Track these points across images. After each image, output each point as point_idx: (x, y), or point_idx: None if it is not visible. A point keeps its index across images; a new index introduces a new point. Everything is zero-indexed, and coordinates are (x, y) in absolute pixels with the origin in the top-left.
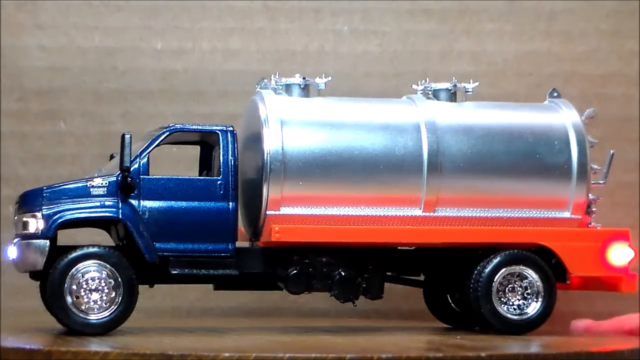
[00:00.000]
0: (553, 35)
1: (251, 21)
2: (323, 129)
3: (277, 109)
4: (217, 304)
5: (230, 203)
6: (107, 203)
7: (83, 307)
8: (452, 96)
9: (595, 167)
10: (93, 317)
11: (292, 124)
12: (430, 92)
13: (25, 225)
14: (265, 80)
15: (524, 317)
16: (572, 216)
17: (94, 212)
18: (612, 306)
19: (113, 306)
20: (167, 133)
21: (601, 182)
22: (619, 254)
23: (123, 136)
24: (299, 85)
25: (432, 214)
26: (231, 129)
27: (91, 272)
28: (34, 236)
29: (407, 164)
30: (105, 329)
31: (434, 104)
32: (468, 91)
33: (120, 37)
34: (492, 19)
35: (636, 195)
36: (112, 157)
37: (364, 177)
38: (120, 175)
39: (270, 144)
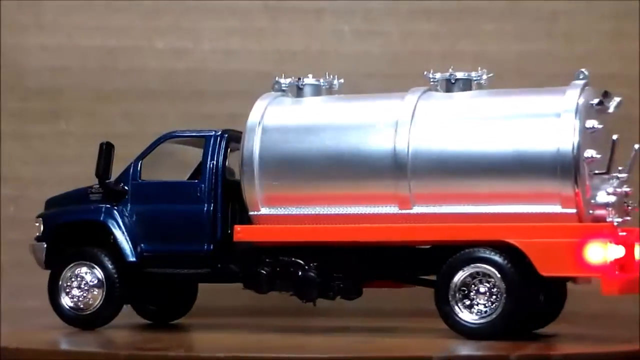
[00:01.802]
0: (554, 36)
1: (252, 21)
2: (301, 132)
3: (261, 113)
4: (215, 304)
5: (206, 205)
6: (94, 207)
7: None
8: (455, 86)
9: (596, 156)
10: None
11: (272, 128)
12: (437, 83)
13: (37, 228)
14: (279, 81)
15: (484, 320)
16: (565, 210)
17: (80, 215)
18: (612, 306)
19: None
20: (162, 140)
21: (608, 173)
22: (598, 252)
23: (100, 145)
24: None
25: (409, 211)
26: (219, 134)
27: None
28: (39, 238)
29: (380, 163)
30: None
31: (423, 99)
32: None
33: (121, 37)
34: (493, 20)
35: (636, 195)
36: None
37: (337, 176)
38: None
39: (247, 148)
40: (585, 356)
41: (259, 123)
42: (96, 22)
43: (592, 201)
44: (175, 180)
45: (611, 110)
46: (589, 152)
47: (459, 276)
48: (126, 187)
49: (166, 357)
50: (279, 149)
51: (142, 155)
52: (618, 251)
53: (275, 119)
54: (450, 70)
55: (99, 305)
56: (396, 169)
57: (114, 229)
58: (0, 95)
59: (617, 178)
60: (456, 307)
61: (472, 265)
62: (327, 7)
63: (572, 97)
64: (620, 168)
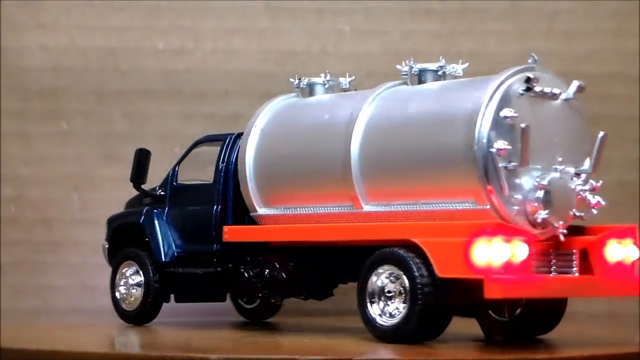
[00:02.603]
0: (555, 35)
1: (253, 21)
2: (282, 133)
3: (257, 115)
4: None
5: (216, 206)
6: (138, 211)
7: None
8: (423, 79)
9: (506, 147)
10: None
11: (264, 130)
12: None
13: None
14: (292, 80)
15: (392, 323)
16: (479, 207)
17: (127, 218)
18: (612, 306)
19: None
20: (197, 144)
21: (517, 165)
22: (483, 253)
23: (135, 151)
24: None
25: (360, 210)
26: (234, 136)
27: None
28: (105, 238)
29: (332, 162)
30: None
31: (377, 96)
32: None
33: (122, 37)
34: (494, 19)
35: (636, 195)
36: None
37: (309, 176)
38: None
39: (241, 150)
40: (586, 359)
41: (254, 125)
42: (97, 22)
43: (517, 197)
44: (198, 182)
45: (568, 96)
46: (500, 144)
47: (374, 277)
48: (163, 191)
49: (164, 358)
50: (265, 151)
51: (180, 159)
52: (503, 251)
53: (268, 121)
54: (410, 63)
55: (140, 303)
56: (344, 168)
57: (149, 231)
58: (0, 95)
59: (557, 171)
60: (371, 309)
61: (384, 266)
62: (328, 7)
63: (490, 85)
64: (559, 159)
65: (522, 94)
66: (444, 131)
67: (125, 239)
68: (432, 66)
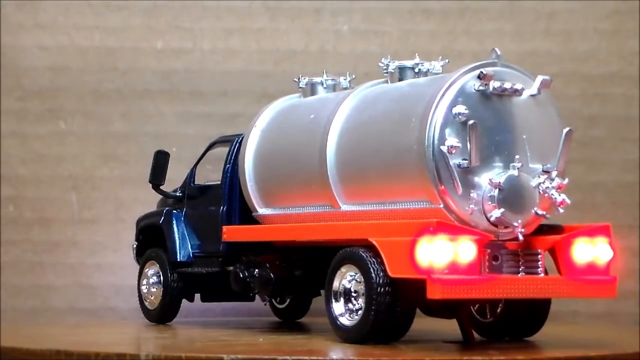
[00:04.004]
0: (553, 35)
1: (251, 21)
2: (276, 132)
3: (259, 115)
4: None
5: (222, 207)
6: (159, 211)
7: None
8: (402, 76)
9: (456, 145)
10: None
11: (263, 130)
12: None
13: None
14: (295, 80)
15: (351, 323)
16: (433, 206)
17: (149, 219)
18: (613, 306)
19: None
20: (213, 144)
21: (468, 163)
22: (426, 252)
23: (154, 153)
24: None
25: (338, 209)
26: (241, 136)
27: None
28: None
29: (313, 162)
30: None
31: (363, 92)
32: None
33: (120, 37)
34: (493, 19)
35: (636, 195)
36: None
37: (294, 176)
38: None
39: (241, 150)
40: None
41: (254, 125)
42: (95, 22)
43: (474, 196)
44: (210, 183)
45: (533, 92)
46: (451, 142)
47: (338, 277)
48: (181, 192)
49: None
50: (263, 151)
51: (198, 160)
52: (446, 250)
53: (267, 122)
54: (388, 60)
55: (159, 302)
56: (320, 168)
57: (167, 232)
58: None
59: (516, 168)
60: (335, 309)
61: (346, 266)
62: (326, 7)
63: (444, 82)
64: (517, 156)
65: (478, 91)
66: (403, 130)
67: (150, 239)
68: (409, 64)
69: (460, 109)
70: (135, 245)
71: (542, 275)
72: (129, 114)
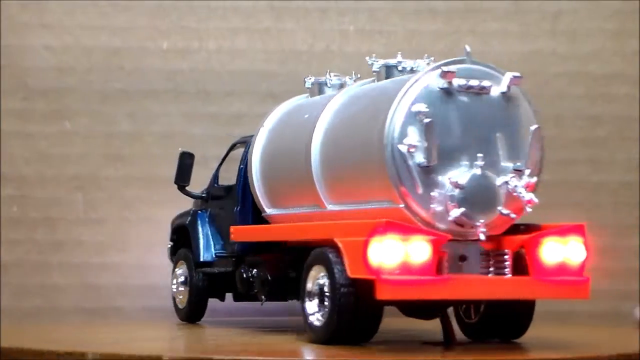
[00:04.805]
0: (558, 35)
1: (257, 21)
2: (280, 133)
3: (268, 116)
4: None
5: (237, 207)
6: (187, 212)
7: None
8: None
9: (416, 144)
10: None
11: (269, 131)
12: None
13: None
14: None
15: (319, 324)
16: (395, 206)
17: (179, 220)
18: (614, 306)
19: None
20: (235, 145)
21: (428, 163)
22: (376, 252)
23: (179, 154)
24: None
25: (324, 209)
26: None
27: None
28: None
29: (298, 163)
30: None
31: (350, 91)
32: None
33: (126, 37)
34: (498, 19)
35: (637, 195)
36: None
37: (290, 176)
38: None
39: (250, 151)
40: None
41: (262, 125)
42: (101, 21)
43: (435, 195)
44: (229, 184)
45: (503, 89)
46: (410, 140)
47: (310, 277)
48: (205, 193)
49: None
50: (268, 152)
51: (221, 161)
52: (397, 250)
53: (274, 122)
54: (373, 59)
55: (186, 301)
56: (306, 168)
57: (192, 232)
58: (4, 95)
59: (478, 167)
60: (308, 309)
61: (316, 266)
62: (332, 7)
63: (407, 80)
64: (479, 155)
65: (442, 89)
66: (370, 129)
67: (181, 239)
68: (393, 62)
69: (421, 107)
70: (169, 246)
71: (509, 276)
72: (134, 114)
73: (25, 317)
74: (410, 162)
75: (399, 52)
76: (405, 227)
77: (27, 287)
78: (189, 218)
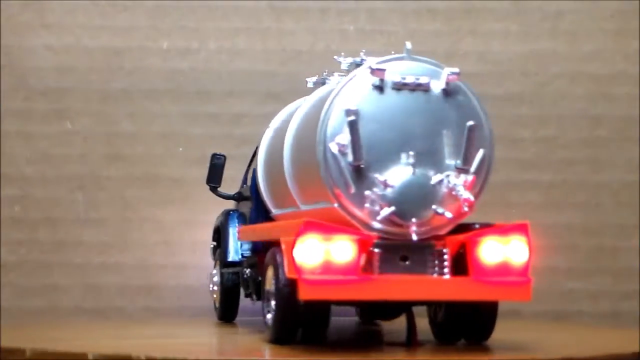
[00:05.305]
0: (559, 35)
1: (257, 21)
2: (281, 133)
3: (276, 117)
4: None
5: (251, 207)
6: (222, 213)
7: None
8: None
9: (346, 143)
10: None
11: (277, 130)
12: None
13: None
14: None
15: (271, 323)
16: (329, 205)
17: (217, 221)
18: (616, 305)
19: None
20: (255, 150)
21: (355, 162)
22: (299, 252)
23: (211, 155)
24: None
25: (298, 209)
26: None
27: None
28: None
29: (280, 161)
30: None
31: (323, 88)
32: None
33: (126, 37)
34: (498, 19)
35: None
36: None
37: (280, 178)
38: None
39: (258, 151)
40: None
41: (269, 126)
42: (101, 21)
43: (369, 195)
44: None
45: (441, 86)
46: (340, 139)
47: (267, 277)
48: (237, 194)
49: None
50: (268, 151)
51: (250, 161)
52: (317, 250)
53: (280, 122)
54: (341, 57)
55: (219, 300)
56: (281, 167)
57: (223, 233)
58: (4, 95)
59: (411, 165)
60: (265, 309)
61: (269, 266)
62: (332, 7)
63: (341, 79)
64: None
65: (375, 87)
66: (313, 130)
67: (219, 239)
68: (358, 60)
69: (350, 105)
70: (212, 246)
71: (447, 276)
72: (135, 113)
73: (26, 317)
74: (342, 162)
75: (362, 50)
76: (326, 226)
77: (28, 287)
78: (222, 219)
